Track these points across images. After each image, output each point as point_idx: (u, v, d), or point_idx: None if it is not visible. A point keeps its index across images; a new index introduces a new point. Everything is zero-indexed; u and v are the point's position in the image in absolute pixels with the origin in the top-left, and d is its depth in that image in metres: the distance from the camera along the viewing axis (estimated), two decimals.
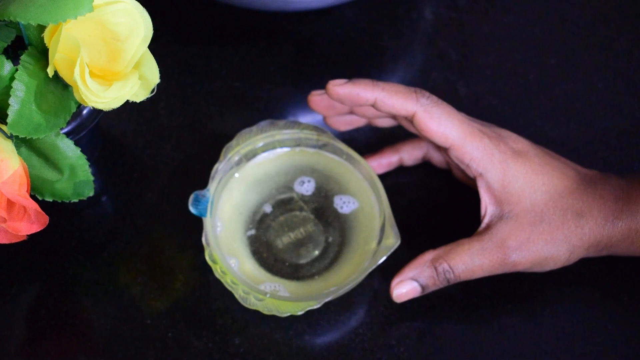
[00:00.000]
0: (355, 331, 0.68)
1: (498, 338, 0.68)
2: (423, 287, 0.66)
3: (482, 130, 0.66)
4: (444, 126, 0.65)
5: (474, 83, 0.78)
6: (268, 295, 0.65)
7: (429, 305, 0.69)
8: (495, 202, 0.65)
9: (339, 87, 0.66)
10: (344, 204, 0.70)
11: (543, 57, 0.79)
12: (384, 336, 0.68)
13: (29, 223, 0.58)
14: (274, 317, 0.67)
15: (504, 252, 0.65)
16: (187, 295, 0.69)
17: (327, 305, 0.68)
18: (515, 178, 0.65)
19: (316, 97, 0.70)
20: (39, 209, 0.57)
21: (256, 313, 0.67)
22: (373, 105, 0.66)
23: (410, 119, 0.66)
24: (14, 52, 0.59)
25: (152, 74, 0.59)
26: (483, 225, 0.66)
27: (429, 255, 0.66)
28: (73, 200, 0.62)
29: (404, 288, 0.66)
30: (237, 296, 0.66)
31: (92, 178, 0.62)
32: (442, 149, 0.67)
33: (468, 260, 0.65)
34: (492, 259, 0.65)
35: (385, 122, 0.72)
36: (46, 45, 0.57)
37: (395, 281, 0.66)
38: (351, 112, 0.71)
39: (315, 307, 0.65)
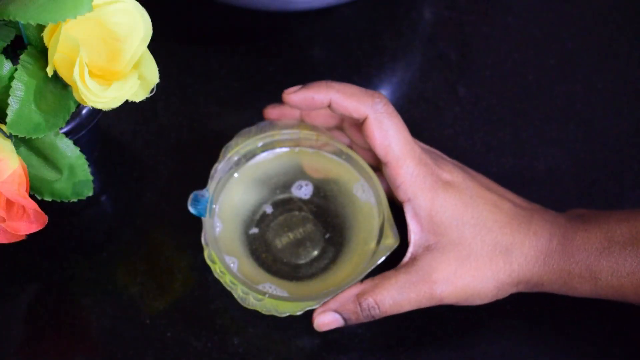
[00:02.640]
0: (354, 331, 0.68)
1: (497, 339, 0.68)
2: (345, 320, 0.65)
3: (421, 156, 0.64)
4: (388, 140, 0.64)
5: (474, 83, 0.78)
6: (267, 296, 0.65)
7: None
8: (422, 231, 0.64)
9: (294, 95, 0.66)
10: (363, 192, 0.69)
11: (542, 58, 0.79)
12: (383, 336, 0.68)
13: (28, 223, 0.58)
14: (272, 317, 0.67)
15: (430, 287, 0.63)
16: (186, 295, 0.69)
17: None
18: (443, 209, 0.64)
19: (271, 110, 0.70)
20: (38, 209, 0.57)
21: (255, 313, 0.67)
22: (329, 107, 0.65)
23: (361, 123, 0.65)
24: (13, 52, 0.59)
25: (151, 74, 0.59)
26: (408, 255, 0.65)
27: (355, 290, 0.64)
28: (72, 200, 0.62)
29: (325, 318, 0.65)
30: (236, 296, 0.66)
31: (91, 178, 0.62)
32: (381, 163, 0.66)
33: (395, 295, 0.63)
34: (418, 293, 0.63)
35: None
36: (45, 44, 0.57)
37: (317, 311, 0.65)
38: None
39: (314, 307, 0.65)
